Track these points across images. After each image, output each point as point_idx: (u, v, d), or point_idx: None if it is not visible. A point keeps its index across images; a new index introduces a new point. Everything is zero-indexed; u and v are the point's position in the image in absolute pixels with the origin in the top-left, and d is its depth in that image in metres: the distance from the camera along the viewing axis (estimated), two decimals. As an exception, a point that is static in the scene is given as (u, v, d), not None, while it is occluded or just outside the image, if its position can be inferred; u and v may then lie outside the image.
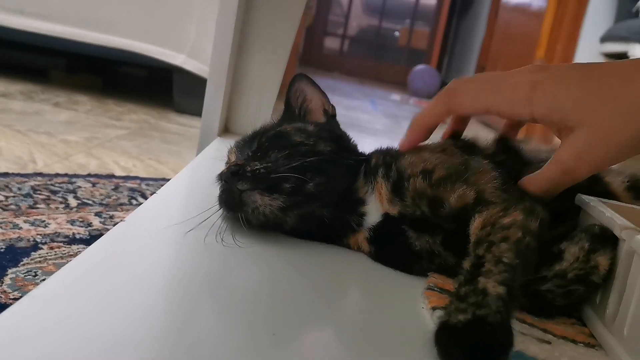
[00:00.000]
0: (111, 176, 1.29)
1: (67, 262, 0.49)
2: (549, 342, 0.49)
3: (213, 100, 0.99)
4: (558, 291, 0.53)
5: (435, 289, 0.55)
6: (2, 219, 0.96)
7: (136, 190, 1.21)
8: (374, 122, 3.35)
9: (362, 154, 0.68)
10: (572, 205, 0.60)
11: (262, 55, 1.04)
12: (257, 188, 0.58)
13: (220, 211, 0.62)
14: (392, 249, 0.61)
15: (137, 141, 1.68)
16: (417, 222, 0.60)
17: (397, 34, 6.74)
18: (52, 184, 1.16)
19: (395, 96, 4.97)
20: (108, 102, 2.22)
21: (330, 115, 0.70)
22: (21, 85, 2.21)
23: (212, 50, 1.00)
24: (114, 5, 2.09)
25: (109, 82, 2.68)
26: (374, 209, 0.62)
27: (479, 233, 0.52)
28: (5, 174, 1.16)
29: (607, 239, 0.53)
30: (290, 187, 0.59)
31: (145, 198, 1.16)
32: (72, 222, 1.00)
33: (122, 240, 0.55)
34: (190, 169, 0.84)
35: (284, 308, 0.49)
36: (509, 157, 0.65)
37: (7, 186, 1.10)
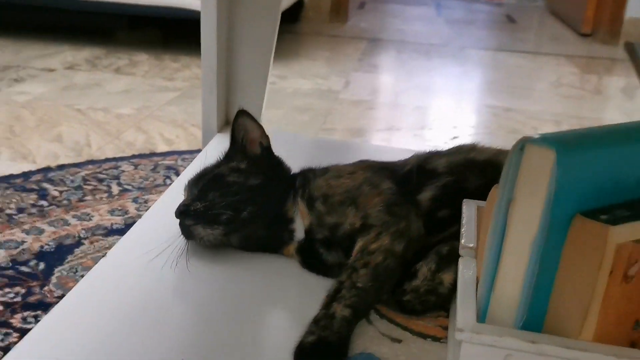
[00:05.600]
0: (152, 154, 1.50)
1: (104, 254, 0.71)
2: (399, 341, 0.66)
3: (208, 98, 1.15)
4: (415, 301, 0.70)
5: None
6: (55, 216, 1.19)
7: (172, 168, 1.42)
8: (431, 35, 3.40)
9: (291, 177, 0.84)
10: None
11: (250, 48, 1.18)
12: (199, 223, 0.77)
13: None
14: (312, 258, 0.79)
15: (185, 104, 1.88)
16: (325, 241, 0.77)
17: None
18: (100, 172, 1.38)
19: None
20: (165, 59, 2.41)
21: (265, 147, 0.87)
22: (88, 51, 2.44)
23: (202, 48, 1.15)
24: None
25: (170, 32, 2.86)
26: (300, 226, 0.80)
27: (351, 259, 0.69)
28: (62, 167, 1.39)
29: (453, 258, 0.68)
30: (226, 218, 0.77)
31: (178, 175, 1.36)
32: (112, 212, 1.21)
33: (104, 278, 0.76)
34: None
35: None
36: (419, 174, 0.79)
37: (62, 180, 1.33)
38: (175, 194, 0.86)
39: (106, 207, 1.22)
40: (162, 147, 1.54)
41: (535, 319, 0.55)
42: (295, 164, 0.89)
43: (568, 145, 0.50)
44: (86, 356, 0.62)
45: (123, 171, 1.38)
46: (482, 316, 0.56)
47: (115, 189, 1.29)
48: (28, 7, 2.44)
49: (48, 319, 0.67)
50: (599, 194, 0.53)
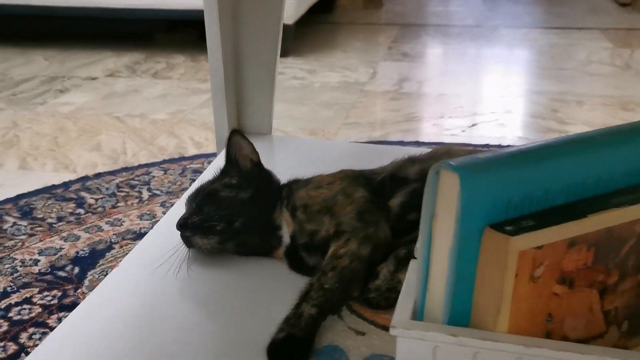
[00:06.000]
0: (181, 159, 1.62)
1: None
2: (363, 334, 0.76)
3: (219, 109, 1.26)
4: (379, 298, 0.79)
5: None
6: (91, 223, 1.32)
7: (198, 172, 1.54)
8: (466, 16, 3.43)
9: (279, 188, 0.95)
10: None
11: (257, 49, 1.28)
12: (196, 234, 0.88)
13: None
14: (297, 261, 0.89)
15: (216, 106, 2.00)
16: (306, 246, 0.87)
17: None
18: (132, 178, 1.51)
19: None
20: (200, 59, 2.54)
21: (255, 162, 0.97)
22: (128, 57, 2.58)
23: (209, 59, 1.26)
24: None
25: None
26: (286, 232, 0.90)
27: (323, 263, 0.79)
28: (98, 175, 1.53)
29: (409, 260, 0.77)
30: (220, 228, 0.88)
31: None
32: (141, 217, 1.34)
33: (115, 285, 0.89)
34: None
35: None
36: (392, 181, 0.89)
37: (98, 188, 1.47)
38: (182, 206, 0.98)
39: (136, 213, 1.34)
40: (191, 151, 1.66)
41: (461, 316, 0.64)
42: (297, 168, 0.99)
43: (471, 169, 0.59)
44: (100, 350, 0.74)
45: (153, 177, 1.51)
46: (420, 314, 0.66)
47: (145, 195, 1.42)
48: (74, 17, 2.61)
49: (72, 316, 0.81)
50: (508, 208, 0.61)
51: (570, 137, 0.70)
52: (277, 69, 1.30)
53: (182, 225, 0.88)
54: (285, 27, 2.42)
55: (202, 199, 0.90)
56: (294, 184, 0.92)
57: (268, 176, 0.96)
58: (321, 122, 1.88)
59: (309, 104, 2.03)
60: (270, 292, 0.83)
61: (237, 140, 0.95)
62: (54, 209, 1.35)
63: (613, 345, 0.67)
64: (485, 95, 2.20)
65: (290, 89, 2.19)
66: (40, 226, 1.29)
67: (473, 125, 1.87)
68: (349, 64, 2.49)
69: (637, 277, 0.66)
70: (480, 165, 0.60)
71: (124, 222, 1.31)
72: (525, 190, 0.61)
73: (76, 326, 0.80)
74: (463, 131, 1.81)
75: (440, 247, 0.61)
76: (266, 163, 0.99)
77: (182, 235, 0.89)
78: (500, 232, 0.58)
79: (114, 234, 1.26)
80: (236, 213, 0.88)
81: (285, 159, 1.26)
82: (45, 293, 1.08)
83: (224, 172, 0.96)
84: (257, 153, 0.96)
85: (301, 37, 2.76)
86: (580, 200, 0.64)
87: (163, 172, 1.53)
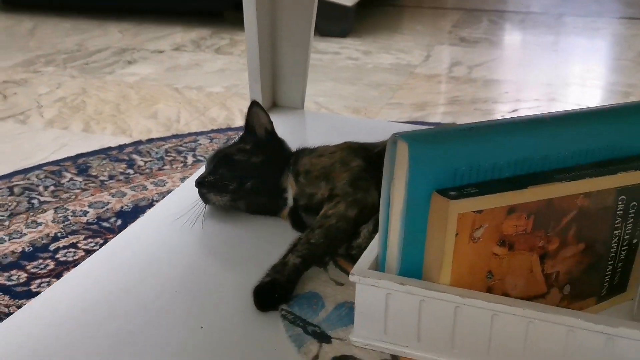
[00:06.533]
0: (228, 129, 1.75)
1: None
2: (342, 284, 0.86)
3: (254, 85, 1.38)
4: (359, 254, 0.88)
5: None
6: (138, 182, 1.47)
7: (240, 141, 1.66)
8: (533, 3, 3.42)
9: (288, 155, 1.05)
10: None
11: (292, 28, 1.38)
12: (211, 191, 1.00)
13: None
14: (299, 221, 1.00)
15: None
16: (305, 207, 0.98)
17: None
18: (180, 145, 1.65)
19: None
20: (262, 38, 2.66)
21: (269, 131, 1.08)
22: (196, 32, 2.73)
23: (246, 39, 1.37)
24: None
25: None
26: (290, 195, 1.01)
27: (314, 221, 0.90)
28: (151, 140, 1.67)
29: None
30: (232, 188, 1.00)
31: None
32: (183, 179, 1.47)
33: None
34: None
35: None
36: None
37: (148, 152, 1.61)
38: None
39: (179, 175, 1.48)
40: (238, 122, 1.79)
41: (413, 269, 0.73)
42: (323, 140, 1.09)
43: (420, 140, 0.68)
44: (119, 289, 0.88)
45: (200, 144, 1.64)
46: (381, 266, 0.76)
47: (190, 160, 1.55)
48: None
49: (95, 256, 0.95)
50: (455, 176, 0.70)
51: (521, 117, 0.78)
52: (310, 47, 1.40)
53: (199, 183, 1.00)
54: (344, 8, 2.52)
55: (219, 161, 1.02)
56: (302, 152, 1.03)
57: (280, 144, 1.07)
58: (366, 102, 1.97)
59: (358, 84, 2.12)
60: (272, 246, 0.93)
61: (255, 111, 1.06)
62: (107, 168, 1.50)
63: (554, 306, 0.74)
64: (533, 83, 2.24)
65: (343, 69, 2.28)
66: (93, 182, 1.43)
67: (514, 110, 1.92)
68: (404, 47, 2.56)
69: (578, 246, 0.74)
70: (429, 136, 0.69)
71: (166, 183, 1.44)
72: (472, 161, 0.70)
73: (98, 264, 0.93)
74: (502, 116, 1.87)
75: (396, 208, 0.70)
76: (295, 135, 1.10)
77: (199, 192, 1.01)
78: (443, 196, 0.67)
79: (156, 193, 1.39)
80: (247, 175, 1.00)
81: (314, 132, 1.37)
82: (89, 240, 1.22)
83: (241, 139, 1.07)
84: (271, 123, 1.07)
85: (362, 19, 2.84)
86: (526, 175, 0.72)
87: (209, 140, 1.66)
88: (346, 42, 2.60)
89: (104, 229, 1.25)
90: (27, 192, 1.38)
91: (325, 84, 2.12)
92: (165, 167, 1.51)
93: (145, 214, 1.07)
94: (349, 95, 2.02)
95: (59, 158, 1.54)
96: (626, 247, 0.76)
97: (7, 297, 1.03)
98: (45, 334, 0.79)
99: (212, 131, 1.72)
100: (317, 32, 2.63)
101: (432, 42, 2.64)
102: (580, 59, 2.53)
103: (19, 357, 0.75)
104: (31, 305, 0.87)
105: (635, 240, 0.77)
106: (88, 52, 2.45)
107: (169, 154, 1.57)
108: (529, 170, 0.73)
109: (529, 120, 0.76)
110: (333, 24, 2.62)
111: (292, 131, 1.17)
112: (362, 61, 2.37)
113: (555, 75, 2.29)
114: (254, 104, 1.06)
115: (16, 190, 1.39)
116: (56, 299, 0.87)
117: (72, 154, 1.56)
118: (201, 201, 1.02)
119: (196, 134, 1.70)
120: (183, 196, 1.08)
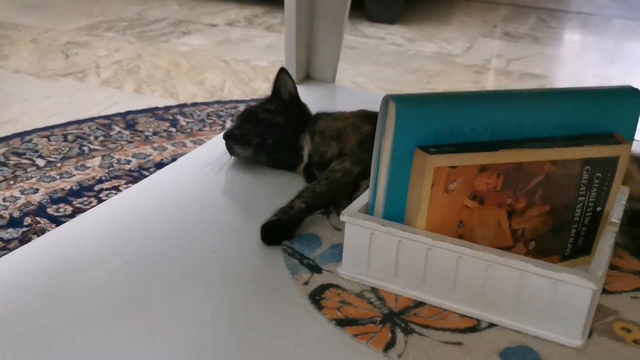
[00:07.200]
0: (267, 99, 1.87)
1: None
2: (339, 230, 0.98)
3: (290, 57, 1.50)
4: None
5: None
6: (178, 139, 1.60)
7: (277, 111, 1.78)
8: (585, 3, 3.45)
9: (308, 118, 1.17)
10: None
11: (328, 7, 1.49)
12: (237, 144, 1.13)
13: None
14: (312, 176, 1.12)
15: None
16: (317, 164, 1.10)
17: None
18: (222, 110, 1.78)
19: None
20: (312, 19, 2.78)
21: (292, 95, 1.20)
22: (249, 9, 2.86)
23: (285, 17, 1.49)
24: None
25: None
26: (306, 152, 1.13)
27: (323, 174, 1.02)
28: (195, 104, 1.81)
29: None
30: (255, 142, 1.12)
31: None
32: (220, 140, 1.60)
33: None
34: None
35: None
36: None
37: (191, 114, 1.75)
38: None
39: (216, 137, 1.61)
40: (278, 94, 1.91)
41: (397, 214, 0.84)
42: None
43: (407, 101, 0.79)
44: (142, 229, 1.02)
45: (239, 110, 1.76)
46: (370, 211, 0.87)
47: (228, 124, 1.68)
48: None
49: (126, 192, 1.08)
50: (436, 136, 0.81)
51: (502, 90, 0.88)
52: (345, 25, 1.51)
53: (226, 135, 1.13)
54: (393, -4, 2.62)
55: (245, 117, 1.15)
56: (320, 116, 1.15)
57: (301, 108, 1.19)
58: (402, 85, 2.07)
59: (397, 68, 2.22)
60: (285, 196, 1.05)
61: (282, 76, 1.18)
62: (152, 125, 1.64)
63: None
64: (566, 79, 2.30)
65: (385, 53, 2.38)
66: (138, 136, 1.58)
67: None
68: (448, 37, 2.64)
69: (544, 207, 0.84)
70: (416, 99, 0.80)
71: (204, 142, 1.57)
72: (453, 124, 0.80)
73: (133, 196, 1.07)
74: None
75: (384, 160, 0.82)
76: (323, 107, 1.22)
77: (226, 144, 1.14)
78: (423, 152, 0.78)
79: (193, 150, 1.53)
80: (270, 132, 1.12)
81: (342, 103, 1.48)
82: (130, 185, 1.36)
83: (267, 100, 1.20)
84: (296, 88, 1.19)
85: (412, 7, 2.94)
86: (501, 140, 0.82)
87: (248, 108, 1.78)
88: (393, 29, 2.69)
89: (143, 177, 1.38)
90: (79, 139, 1.53)
91: (366, 66, 2.22)
92: (205, 129, 1.64)
93: (178, 159, 1.20)
94: (387, 78, 2.12)
95: (110, 113, 1.69)
96: (590, 214, 0.86)
97: (54, 225, 1.18)
98: (86, 246, 0.93)
99: (252, 100, 1.84)
100: (366, 17, 2.74)
101: (477, 35, 2.71)
102: (619, 60, 2.57)
103: (64, 264, 0.90)
104: (76, 220, 1.02)
105: (599, 208, 0.86)
106: (147, 21, 2.60)
107: (209, 117, 1.70)
108: (504, 137, 0.83)
109: (508, 93, 0.87)
110: (382, 10, 2.72)
111: (321, 102, 1.28)
112: (405, 47, 2.46)
113: (591, 74, 2.34)
114: (282, 71, 1.18)
115: (70, 137, 1.54)
116: (92, 222, 1.01)
117: (122, 110, 1.71)
118: (227, 153, 1.15)
119: (237, 101, 1.83)
120: (213, 148, 1.21)
